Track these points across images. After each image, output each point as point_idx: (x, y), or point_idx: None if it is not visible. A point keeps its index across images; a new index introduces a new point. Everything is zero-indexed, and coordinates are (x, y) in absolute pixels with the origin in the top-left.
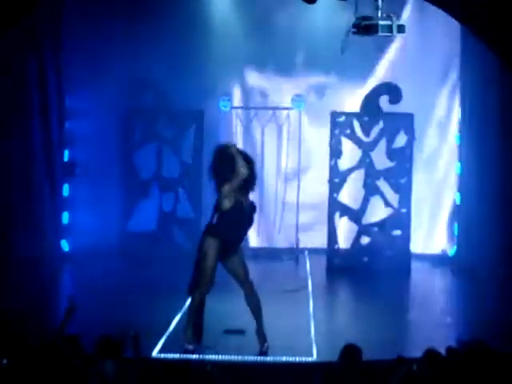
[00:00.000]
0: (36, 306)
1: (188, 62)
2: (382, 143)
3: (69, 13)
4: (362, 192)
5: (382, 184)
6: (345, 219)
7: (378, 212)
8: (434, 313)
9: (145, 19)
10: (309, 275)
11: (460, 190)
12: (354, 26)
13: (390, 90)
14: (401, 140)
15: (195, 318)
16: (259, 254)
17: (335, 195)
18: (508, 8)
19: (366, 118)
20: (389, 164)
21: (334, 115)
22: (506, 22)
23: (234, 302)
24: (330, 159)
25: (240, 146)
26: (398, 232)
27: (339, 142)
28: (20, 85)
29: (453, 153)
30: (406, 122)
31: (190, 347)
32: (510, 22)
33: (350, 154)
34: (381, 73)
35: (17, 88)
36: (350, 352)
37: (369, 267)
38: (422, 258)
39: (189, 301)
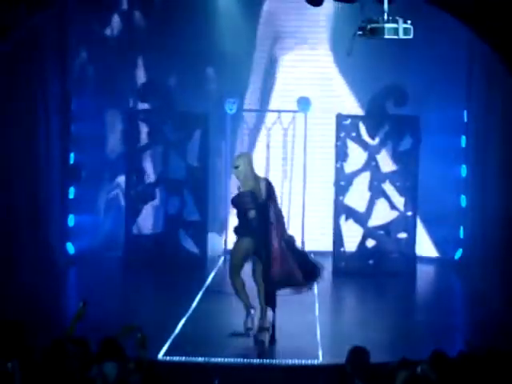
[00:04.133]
0: (41, 309)
1: (195, 65)
2: (388, 146)
3: (74, 15)
4: (368, 195)
5: (388, 187)
6: (350, 222)
7: (383, 215)
8: (439, 315)
9: (152, 22)
10: None
11: (465, 192)
12: (360, 28)
13: (396, 92)
14: (406, 143)
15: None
16: None
17: (341, 198)
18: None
19: (372, 121)
20: (394, 167)
21: (340, 118)
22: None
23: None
24: (336, 162)
25: (245, 148)
26: (403, 235)
27: (345, 145)
28: (25, 87)
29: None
30: (411, 125)
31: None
32: None
33: (356, 156)
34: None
35: (21, 90)
36: (358, 354)
37: (374, 270)
38: (428, 260)
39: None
